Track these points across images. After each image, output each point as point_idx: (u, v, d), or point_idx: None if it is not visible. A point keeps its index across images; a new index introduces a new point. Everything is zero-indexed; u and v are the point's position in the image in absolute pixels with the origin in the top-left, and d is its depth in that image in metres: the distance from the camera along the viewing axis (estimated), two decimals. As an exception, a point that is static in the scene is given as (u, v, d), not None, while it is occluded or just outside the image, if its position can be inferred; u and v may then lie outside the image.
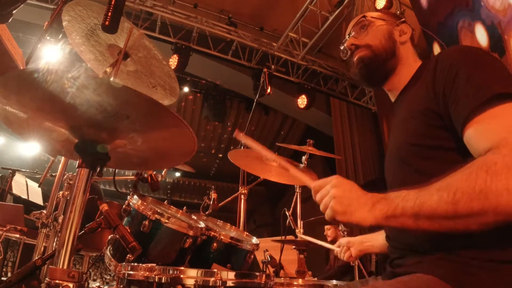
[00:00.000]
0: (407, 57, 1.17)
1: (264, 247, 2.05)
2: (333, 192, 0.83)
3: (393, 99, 1.20)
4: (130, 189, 1.51)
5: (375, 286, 0.92)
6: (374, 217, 0.79)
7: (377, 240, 1.45)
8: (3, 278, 3.26)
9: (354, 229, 3.55)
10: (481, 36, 3.60)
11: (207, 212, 1.99)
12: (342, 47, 1.24)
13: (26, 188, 3.82)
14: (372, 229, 1.42)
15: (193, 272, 1.09)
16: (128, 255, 1.26)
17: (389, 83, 1.17)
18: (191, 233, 1.37)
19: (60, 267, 0.86)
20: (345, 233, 2.95)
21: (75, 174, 0.96)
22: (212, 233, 1.49)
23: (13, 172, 3.61)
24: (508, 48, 3.29)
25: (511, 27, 3.23)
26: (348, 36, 1.21)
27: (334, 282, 1.69)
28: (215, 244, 1.47)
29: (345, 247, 1.58)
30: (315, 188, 0.90)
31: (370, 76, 1.17)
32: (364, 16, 1.19)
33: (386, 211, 0.78)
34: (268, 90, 2.77)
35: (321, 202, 0.86)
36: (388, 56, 1.14)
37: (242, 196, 2.38)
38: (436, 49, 4.39)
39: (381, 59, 1.14)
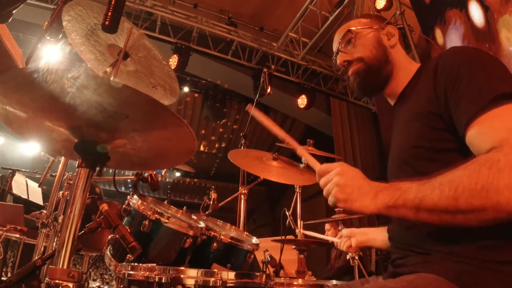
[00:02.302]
0: (400, 60, 1.15)
1: (264, 247, 2.05)
2: (336, 180, 0.85)
3: (392, 102, 1.20)
4: (130, 189, 1.51)
5: (380, 285, 0.91)
6: (375, 206, 0.82)
7: (380, 235, 1.39)
8: (3, 278, 3.26)
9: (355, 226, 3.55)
10: (476, 13, 3.63)
11: (207, 212, 1.99)
12: (333, 62, 1.23)
13: (26, 188, 3.82)
14: (373, 223, 1.42)
15: (193, 272, 1.09)
16: (128, 255, 1.26)
17: (388, 89, 1.16)
18: (191, 233, 1.37)
19: (60, 267, 0.86)
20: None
21: (75, 174, 0.96)
22: (212, 233, 1.49)
23: (13, 172, 3.61)
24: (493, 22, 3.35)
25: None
26: (336, 52, 1.20)
27: (334, 282, 1.69)
28: (215, 244, 1.47)
29: (346, 237, 1.55)
30: (320, 172, 0.91)
31: (368, 87, 1.17)
32: (349, 30, 1.16)
33: (388, 201, 0.80)
34: (268, 90, 2.78)
35: (324, 188, 0.88)
36: (382, 64, 1.13)
37: (242, 196, 2.38)
38: (439, 34, 4.38)
39: (376, 69, 1.13)
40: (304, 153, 1.04)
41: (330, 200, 0.86)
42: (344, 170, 0.87)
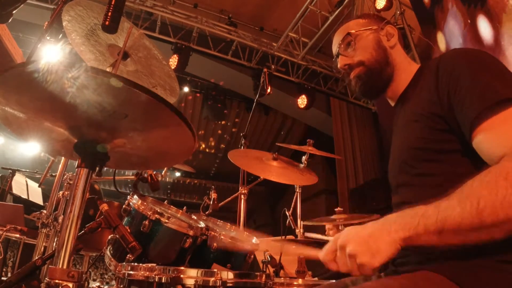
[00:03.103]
0: (401, 60, 1.15)
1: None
2: (348, 251, 0.77)
3: (392, 103, 1.20)
4: (130, 189, 1.51)
5: (380, 282, 0.91)
6: (396, 240, 0.74)
7: None
8: (3, 278, 3.26)
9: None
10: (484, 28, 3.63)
11: (207, 212, 1.99)
12: (334, 64, 1.22)
13: (26, 188, 3.82)
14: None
15: (193, 272, 1.09)
16: (128, 255, 1.26)
17: (389, 90, 1.16)
18: (191, 233, 1.37)
19: (60, 267, 0.86)
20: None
21: (75, 174, 0.96)
22: (212, 233, 1.49)
23: (13, 172, 3.61)
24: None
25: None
26: (336, 55, 1.19)
27: (335, 281, 1.68)
28: (215, 244, 1.47)
29: None
30: (327, 259, 0.84)
31: (371, 91, 1.16)
32: (349, 33, 1.15)
33: (407, 231, 0.74)
34: (268, 90, 2.77)
35: (348, 269, 0.79)
36: (383, 66, 1.12)
37: (242, 196, 2.37)
38: (441, 38, 4.38)
39: (377, 72, 1.12)
40: (301, 250, 1.00)
41: (362, 271, 0.76)
42: (344, 237, 0.79)
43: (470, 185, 0.72)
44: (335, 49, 1.21)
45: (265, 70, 2.82)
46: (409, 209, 0.77)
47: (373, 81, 1.13)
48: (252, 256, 1.60)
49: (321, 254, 0.85)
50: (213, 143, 10.07)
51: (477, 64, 0.88)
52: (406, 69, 1.14)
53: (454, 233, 0.71)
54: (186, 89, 7.19)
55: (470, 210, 0.69)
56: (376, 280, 1.04)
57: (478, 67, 0.87)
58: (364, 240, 0.76)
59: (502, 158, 0.75)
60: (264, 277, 1.19)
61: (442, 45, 4.38)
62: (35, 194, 3.93)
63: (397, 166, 1.06)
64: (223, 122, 8.46)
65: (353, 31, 1.16)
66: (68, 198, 2.00)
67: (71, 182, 2.07)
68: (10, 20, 1.09)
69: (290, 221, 2.36)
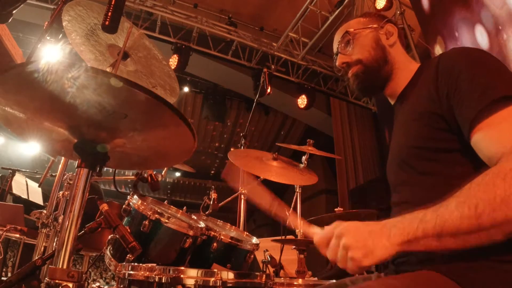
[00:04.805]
0: (400, 59, 1.15)
1: (264, 247, 2.04)
2: (344, 242, 0.76)
3: (392, 102, 1.20)
4: (130, 189, 1.51)
5: (382, 282, 0.91)
6: (394, 245, 0.74)
7: None
8: (3, 278, 3.26)
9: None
10: (481, 36, 3.62)
11: (207, 212, 1.99)
12: (334, 62, 1.22)
13: (26, 188, 3.82)
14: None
15: (193, 272, 1.09)
16: (128, 255, 1.26)
17: (388, 89, 1.16)
18: (191, 233, 1.37)
19: (60, 267, 0.86)
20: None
21: (75, 174, 0.96)
22: (212, 233, 1.49)
23: (13, 172, 3.61)
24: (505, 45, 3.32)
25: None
26: (336, 53, 1.20)
27: (335, 281, 1.68)
28: (215, 244, 1.47)
29: None
30: (320, 243, 0.83)
31: (368, 88, 1.17)
32: (347, 32, 1.16)
33: (406, 236, 0.74)
34: (268, 90, 2.77)
35: (337, 259, 0.78)
36: (381, 64, 1.12)
37: (242, 196, 2.38)
38: (440, 42, 4.37)
39: (375, 70, 1.13)
40: (300, 225, 0.97)
41: (351, 267, 0.76)
42: (344, 227, 0.79)
43: (468, 188, 0.72)
44: (335, 47, 1.22)
45: (265, 70, 2.82)
46: (408, 213, 0.77)
47: (370, 79, 1.14)
48: (252, 256, 1.60)
49: (316, 237, 0.85)
50: (213, 143, 10.07)
51: (476, 63, 0.88)
52: (406, 67, 1.14)
53: (453, 237, 0.71)
54: (186, 89, 7.19)
55: (468, 213, 0.69)
56: (378, 279, 1.04)
57: (477, 66, 0.87)
58: (362, 236, 0.76)
59: (500, 158, 0.75)
60: (264, 277, 1.19)
61: (441, 46, 4.37)
62: (35, 194, 3.93)
63: (396, 164, 1.06)
64: (223, 122, 8.47)
65: (352, 29, 1.17)
66: (68, 198, 2.00)
67: (71, 182, 2.07)
68: (10, 20, 1.09)
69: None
